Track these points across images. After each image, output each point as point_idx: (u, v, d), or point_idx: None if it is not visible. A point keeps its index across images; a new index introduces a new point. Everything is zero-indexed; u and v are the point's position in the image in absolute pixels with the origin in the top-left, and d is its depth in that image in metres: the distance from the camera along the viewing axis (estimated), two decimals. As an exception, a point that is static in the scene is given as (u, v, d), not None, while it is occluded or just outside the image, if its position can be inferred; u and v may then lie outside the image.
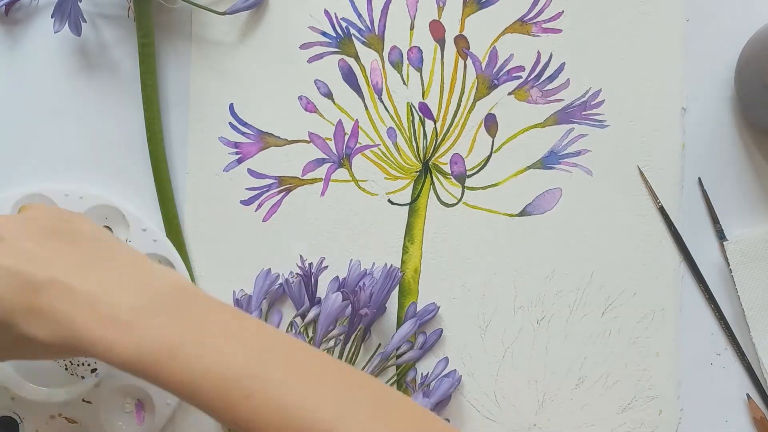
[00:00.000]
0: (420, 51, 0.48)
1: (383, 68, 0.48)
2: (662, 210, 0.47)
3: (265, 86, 0.48)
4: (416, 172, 0.48)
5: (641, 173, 0.47)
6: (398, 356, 0.46)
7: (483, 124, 0.48)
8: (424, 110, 0.48)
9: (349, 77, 0.48)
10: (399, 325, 0.47)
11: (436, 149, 0.48)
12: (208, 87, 0.48)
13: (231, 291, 0.47)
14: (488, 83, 0.48)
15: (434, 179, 0.48)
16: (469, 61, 0.48)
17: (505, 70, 0.48)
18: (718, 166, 0.48)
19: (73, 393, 0.48)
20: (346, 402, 0.32)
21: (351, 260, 0.46)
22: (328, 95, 0.48)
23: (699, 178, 0.48)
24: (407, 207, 0.48)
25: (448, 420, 0.47)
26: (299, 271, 0.45)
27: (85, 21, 0.46)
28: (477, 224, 0.48)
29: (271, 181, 0.48)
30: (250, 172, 0.48)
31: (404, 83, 0.48)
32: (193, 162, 0.48)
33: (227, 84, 0.48)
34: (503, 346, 0.47)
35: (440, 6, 0.48)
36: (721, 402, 0.47)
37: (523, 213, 0.48)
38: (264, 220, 0.48)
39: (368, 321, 0.46)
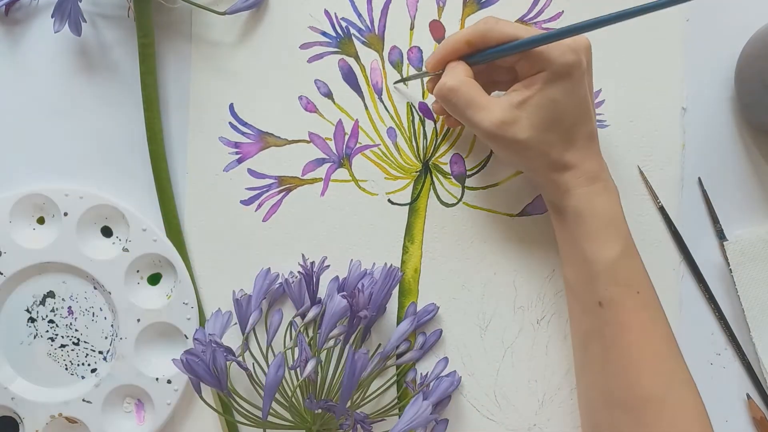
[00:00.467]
0: (420, 51, 0.48)
1: (383, 68, 0.48)
2: (662, 210, 0.47)
3: (265, 86, 0.48)
4: (416, 172, 0.48)
5: (641, 173, 0.47)
6: (398, 356, 0.46)
7: (483, 124, 0.48)
8: (424, 110, 0.48)
9: (349, 77, 0.48)
10: (399, 325, 0.47)
11: (436, 149, 0.48)
12: (208, 87, 0.48)
13: (231, 291, 0.47)
14: (488, 83, 0.48)
15: (434, 179, 0.48)
16: (469, 61, 0.48)
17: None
18: (718, 166, 0.48)
19: (73, 393, 0.48)
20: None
21: (351, 260, 0.46)
22: (328, 95, 0.48)
23: (699, 178, 0.48)
24: (407, 207, 0.48)
25: (447, 420, 0.47)
26: (300, 270, 0.45)
27: (85, 21, 0.46)
28: (477, 224, 0.48)
29: (271, 181, 0.48)
30: (250, 172, 0.48)
31: (404, 83, 0.48)
32: (193, 162, 0.48)
33: (227, 84, 0.48)
34: (503, 346, 0.47)
35: (440, 6, 0.48)
36: (721, 402, 0.47)
37: (523, 213, 0.48)
38: (264, 220, 0.48)
39: (368, 321, 0.46)
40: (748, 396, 0.47)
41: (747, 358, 0.47)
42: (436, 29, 0.48)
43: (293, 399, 0.43)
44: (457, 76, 0.40)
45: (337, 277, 0.46)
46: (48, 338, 0.48)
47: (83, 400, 0.47)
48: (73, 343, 0.48)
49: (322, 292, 0.46)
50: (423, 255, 0.48)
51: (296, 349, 0.42)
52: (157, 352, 0.48)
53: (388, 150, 0.48)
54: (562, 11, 0.48)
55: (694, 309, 0.47)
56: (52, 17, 0.45)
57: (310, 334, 0.45)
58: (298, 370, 0.41)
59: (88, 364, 0.48)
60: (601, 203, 0.41)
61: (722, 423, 0.47)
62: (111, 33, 0.49)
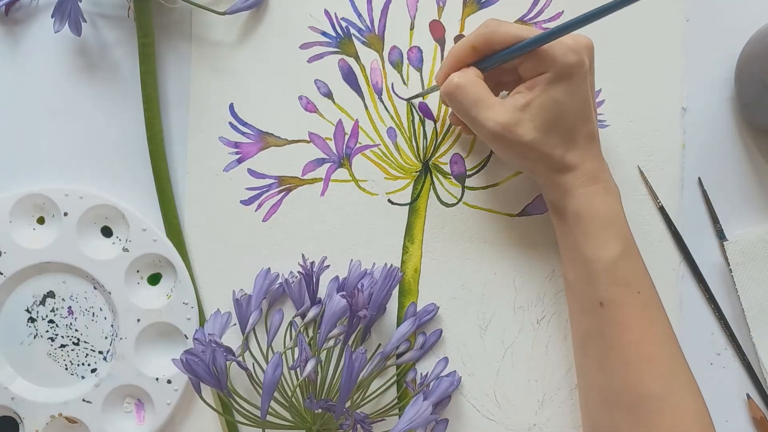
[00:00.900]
0: (420, 51, 0.48)
1: (383, 68, 0.48)
2: (662, 210, 0.47)
3: (265, 86, 0.48)
4: (416, 172, 0.48)
5: (641, 173, 0.47)
6: (398, 356, 0.46)
7: (483, 124, 0.48)
8: (424, 110, 0.48)
9: (349, 77, 0.48)
10: (399, 325, 0.47)
11: (436, 149, 0.48)
12: (208, 87, 0.48)
13: (231, 291, 0.47)
14: (488, 83, 0.48)
15: (434, 179, 0.48)
16: (469, 61, 0.48)
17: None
18: (718, 166, 0.48)
19: (73, 393, 0.48)
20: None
21: (351, 260, 0.46)
22: (328, 95, 0.48)
23: (699, 178, 0.48)
24: (407, 207, 0.48)
25: (447, 420, 0.47)
26: (300, 270, 0.45)
27: (85, 21, 0.46)
28: (477, 224, 0.48)
29: (271, 181, 0.48)
30: (250, 172, 0.48)
31: (404, 83, 0.48)
32: (193, 162, 0.48)
33: (227, 84, 0.48)
34: (503, 346, 0.47)
35: (440, 6, 0.48)
36: (721, 402, 0.47)
37: (523, 213, 0.48)
38: (264, 220, 0.48)
39: (368, 321, 0.46)
40: (748, 396, 0.47)
41: (747, 358, 0.47)
42: (436, 29, 0.48)
43: (293, 399, 0.43)
44: (466, 74, 0.40)
45: (337, 277, 0.46)
46: (48, 338, 0.48)
47: (83, 400, 0.47)
48: (73, 343, 0.48)
49: (322, 292, 0.46)
50: (423, 255, 0.48)
51: (296, 349, 0.42)
52: (157, 352, 0.48)
53: (388, 150, 0.48)
54: (562, 11, 0.48)
55: (694, 309, 0.47)
56: (52, 17, 0.45)
57: (310, 334, 0.45)
58: (298, 370, 0.41)
59: (88, 364, 0.48)
60: (602, 203, 0.41)
61: (722, 423, 0.47)
62: (111, 33, 0.49)
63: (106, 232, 0.49)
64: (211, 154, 0.48)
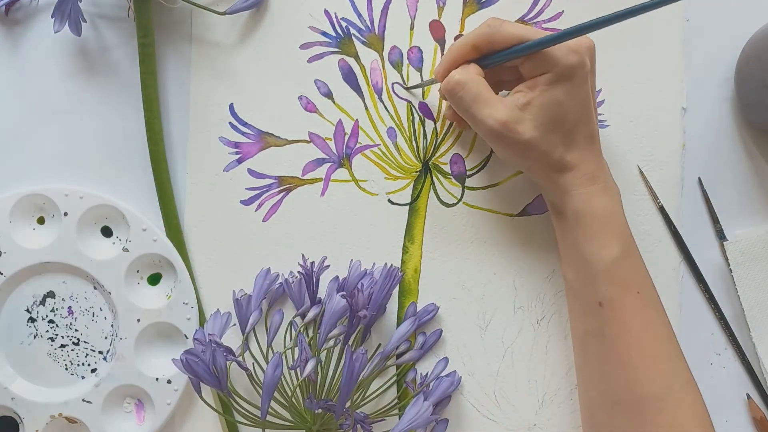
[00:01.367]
0: (420, 51, 0.48)
1: (383, 68, 0.48)
2: (662, 210, 0.47)
3: (265, 86, 0.48)
4: (416, 172, 0.48)
5: (641, 173, 0.47)
6: (398, 356, 0.46)
7: (483, 124, 0.48)
8: (424, 110, 0.48)
9: (349, 77, 0.48)
10: (399, 325, 0.47)
11: (436, 149, 0.48)
12: (208, 87, 0.48)
13: (231, 291, 0.47)
14: (488, 83, 0.48)
15: (434, 179, 0.48)
16: (469, 61, 0.48)
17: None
18: (718, 166, 0.48)
19: (73, 393, 0.48)
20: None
21: (351, 260, 0.46)
22: (328, 95, 0.48)
23: (699, 178, 0.48)
24: (407, 207, 0.48)
25: (447, 420, 0.47)
26: (300, 270, 0.45)
27: (85, 21, 0.46)
28: (477, 224, 0.48)
29: (271, 181, 0.48)
30: (250, 172, 0.48)
31: (404, 83, 0.48)
32: (193, 162, 0.48)
33: (227, 84, 0.48)
34: (503, 346, 0.47)
35: (440, 6, 0.48)
36: (721, 402, 0.47)
37: (523, 213, 0.48)
38: (264, 220, 0.48)
39: (368, 321, 0.46)
40: (748, 396, 0.47)
41: (747, 358, 0.47)
42: (436, 29, 0.48)
43: (293, 399, 0.43)
44: (467, 71, 0.40)
45: (337, 277, 0.46)
46: (48, 338, 0.48)
47: (83, 400, 0.47)
48: (73, 343, 0.48)
49: (322, 292, 0.46)
50: (423, 255, 0.48)
51: (296, 349, 0.42)
52: (157, 352, 0.48)
53: (388, 150, 0.48)
54: (562, 11, 0.48)
55: (694, 309, 0.47)
56: (52, 17, 0.45)
57: (310, 334, 0.45)
58: (298, 370, 0.41)
59: (88, 364, 0.48)
60: (601, 203, 0.41)
61: (722, 423, 0.47)
62: (111, 33, 0.49)
63: (106, 232, 0.49)
64: (211, 154, 0.48)
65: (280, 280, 0.47)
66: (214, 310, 0.46)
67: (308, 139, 0.48)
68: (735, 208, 0.48)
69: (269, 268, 0.47)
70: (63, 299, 0.48)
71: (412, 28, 0.48)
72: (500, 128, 0.39)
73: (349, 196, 0.48)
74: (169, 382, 0.47)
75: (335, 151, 0.48)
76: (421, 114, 0.48)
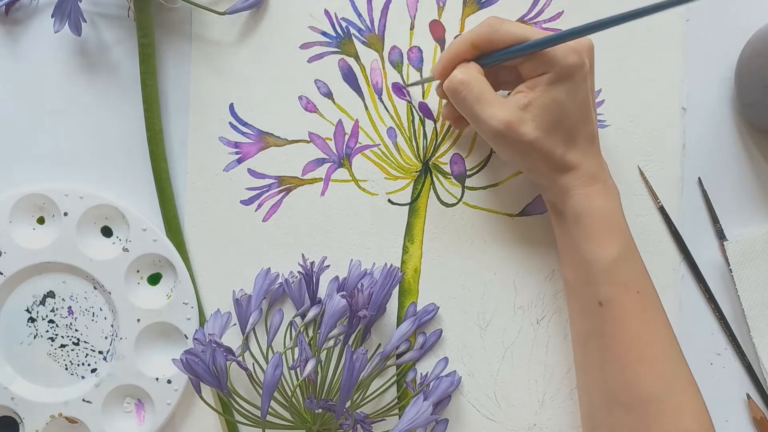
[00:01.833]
0: (420, 51, 0.48)
1: (383, 68, 0.48)
2: (662, 210, 0.47)
3: (265, 86, 0.48)
4: (416, 172, 0.48)
5: (641, 173, 0.47)
6: (398, 356, 0.46)
7: (483, 124, 0.48)
8: (424, 110, 0.48)
9: (349, 77, 0.48)
10: (399, 325, 0.47)
11: (436, 149, 0.48)
12: (208, 87, 0.48)
13: (231, 291, 0.47)
14: (488, 83, 0.48)
15: (434, 179, 0.48)
16: (469, 61, 0.48)
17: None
18: (718, 166, 0.48)
19: (73, 393, 0.48)
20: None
21: (351, 260, 0.46)
22: (328, 95, 0.48)
23: (699, 178, 0.48)
24: (407, 207, 0.48)
25: (447, 420, 0.47)
26: (300, 270, 0.45)
27: (85, 21, 0.46)
28: (477, 224, 0.48)
29: (271, 181, 0.48)
30: (250, 172, 0.48)
31: (404, 83, 0.48)
32: (193, 162, 0.48)
33: (227, 84, 0.48)
34: (503, 346, 0.47)
35: (440, 6, 0.48)
36: (721, 402, 0.47)
37: (523, 213, 0.48)
38: (264, 220, 0.48)
39: (368, 321, 0.46)
40: (748, 396, 0.47)
41: (747, 358, 0.47)
42: (436, 29, 0.48)
43: (293, 399, 0.43)
44: (469, 70, 0.40)
45: (337, 277, 0.46)
46: (48, 338, 0.48)
47: (83, 400, 0.47)
48: (73, 343, 0.48)
49: (322, 292, 0.47)
50: (423, 255, 0.48)
51: (296, 349, 0.42)
52: (157, 352, 0.48)
53: (388, 150, 0.48)
54: (562, 11, 0.48)
55: (694, 309, 0.47)
56: (52, 17, 0.45)
57: (310, 334, 0.45)
58: (298, 370, 0.41)
59: (88, 364, 0.48)
60: (601, 204, 0.41)
61: (722, 423, 0.47)
62: (111, 33, 0.49)
63: (106, 232, 0.49)
64: (211, 154, 0.48)
65: (280, 280, 0.47)
66: (214, 310, 0.46)
67: (308, 139, 0.48)
68: (735, 208, 0.48)
69: (269, 268, 0.47)
70: (63, 299, 0.48)
71: (412, 28, 0.48)
72: (503, 128, 0.39)
73: (349, 196, 0.48)
74: (169, 382, 0.47)
75: (335, 151, 0.48)
76: (421, 114, 0.48)
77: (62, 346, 0.48)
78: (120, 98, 0.49)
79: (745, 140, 0.48)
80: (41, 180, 0.49)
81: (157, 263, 0.48)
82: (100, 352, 0.48)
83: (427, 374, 0.46)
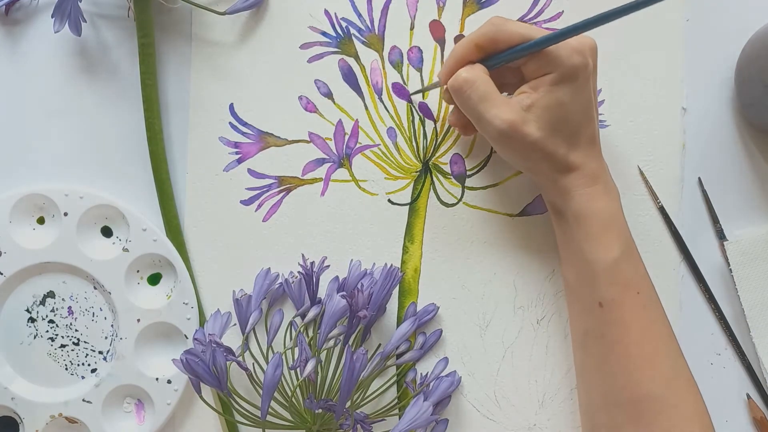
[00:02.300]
0: (420, 51, 0.48)
1: (383, 68, 0.48)
2: (662, 210, 0.47)
3: (265, 86, 0.48)
4: (416, 172, 0.48)
5: (641, 173, 0.47)
6: (398, 356, 0.46)
7: (483, 124, 0.48)
8: (424, 110, 0.48)
9: (349, 77, 0.48)
10: (399, 325, 0.47)
11: (436, 149, 0.48)
12: (208, 87, 0.48)
13: (231, 291, 0.47)
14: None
15: (434, 179, 0.48)
16: (469, 61, 0.48)
17: (505, 70, 0.48)
18: (718, 166, 0.48)
19: (73, 393, 0.48)
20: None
21: (351, 260, 0.46)
22: (328, 95, 0.48)
23: (699, 178, 0.48)
24: (407, 207, 0.48)
25: (447, 420, 0.47)
26: (300, 270, 0.45)
27: (85, 21, 0.46)
28: (477, 224, 0.48)
29: (271, 181, 0.48)
30: (250, 172, 0.48)
31: (404, 83, 0.48)
32: (193, 162, 0.48)
33: (227, 84, 0.48)
34: (503, 346, 0.47)
35: (440, 6, 0.48)
36: (721, 402, 0.47)
37: (523, 213, 0.48)
38: (264, 220, 0.48)
39: (368, 321, 0.46)
40: (748, 396, 0.47)
41: (747, 358, 0.47)
42: (436, 29, 0.48)
43: (293, 399, 0.43)
44: (474, 70, 0.40)
45: (337, 277, 0.46)
46: (48, 338, 0.48)
47: (83, 400, 0.47)
48: (73, 343, 0.48)
49: (322, 292, 0.47)
50: (423, 255, 0.48)
51: (296, 349, 0.42)
52: (157, 352, 0.48)
53: (388, 150, 0.48)
54: (562, 11, 0.48)
55: (694, 309, 0.47)
56: (52, 17, 0.45)
57: (310, 334, 0.45)
58: (298, 370, 0.41)
59: (88, 364, 0.48)
60: (602, 204, 0.41)
61: (722, 423, 0.47)
62: (111, 33, 0.49)
63: (106, 232, 0.49)
64: (211, 154, 0.48)
65: (280, 280, 0.47)
66: (214, 310, 0.46)
67: (308, 139, 0.48)
68: (735, 208, 0.48)
69: (269, 268, 0.47)
70: (63, 299, 0.48)
71: (412, 28, 0.48)
72: (507, 129, 0.39)
73: (349, 196, 0.48)
74: (169, 382, 0.47)
75: (335, 151, 0.48)
76: (421, 114, 0.48)
77: (62, 346, 0.48)
78: (120, 98, 0.49)
79: (745, 140, 0.48)
80: (41, 180, 0.49)
81: (157, 263, 0.48)
82: (100, 352, 0.48)
83: (427, 374, 0.46)
